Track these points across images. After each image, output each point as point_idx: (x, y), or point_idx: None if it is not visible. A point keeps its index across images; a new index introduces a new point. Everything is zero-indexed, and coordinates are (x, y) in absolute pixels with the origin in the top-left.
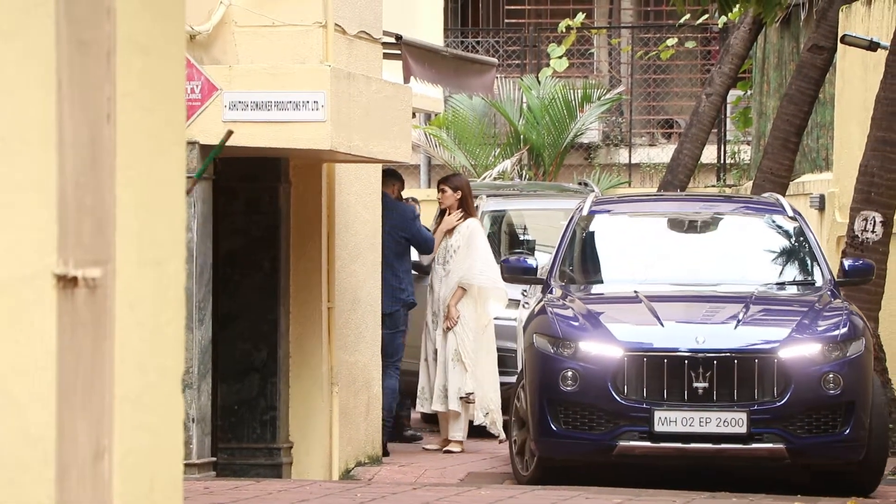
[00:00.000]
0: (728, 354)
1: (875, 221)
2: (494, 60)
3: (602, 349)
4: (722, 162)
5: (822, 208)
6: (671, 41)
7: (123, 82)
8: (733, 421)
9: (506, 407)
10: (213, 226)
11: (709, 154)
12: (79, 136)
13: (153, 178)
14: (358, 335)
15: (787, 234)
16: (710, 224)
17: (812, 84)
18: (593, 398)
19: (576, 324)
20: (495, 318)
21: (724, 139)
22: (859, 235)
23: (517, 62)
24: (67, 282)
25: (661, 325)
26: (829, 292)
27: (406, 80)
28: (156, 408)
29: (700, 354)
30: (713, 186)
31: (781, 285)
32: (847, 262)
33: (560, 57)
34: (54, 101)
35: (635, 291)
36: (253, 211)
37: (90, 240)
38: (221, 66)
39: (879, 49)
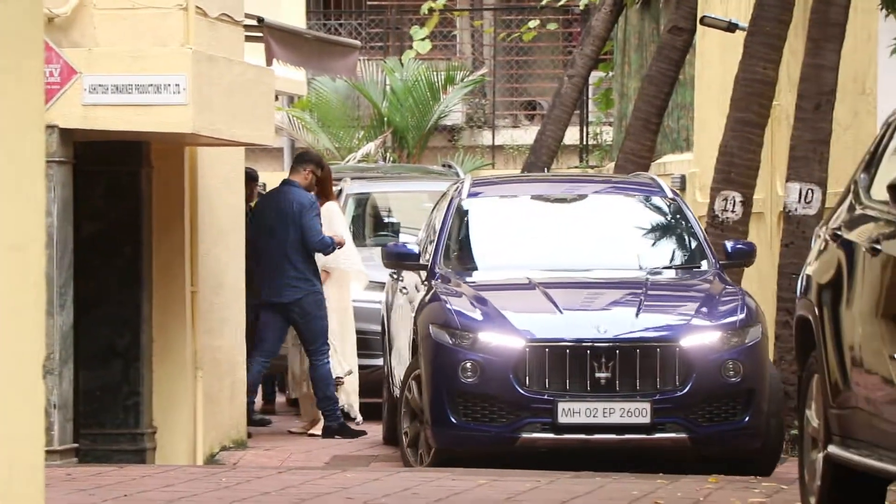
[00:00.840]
0: (630, 343)
1: (735, 201)
2: (357, 43)
3: (503, 340)
4: (584, 143)
5: (682, 188)
6: (533, 23)
7: None
8: (636, 411)
9: (371, 390)
10: (73, 210)
11: (571, 135)
12: None
13: (12, 162)
14: (222, 319)
15: (667, 215)
16: (594, 206)
17: (672, 65)
18: (495, 390)
19: (473, 314)
20: (357, 301)
21: (586, 121)
22: (719, 215)
23: (380, 44)
24: None
25: (561, 313)
26: (717, 276)
27: (268, 62)
28: (16, 394)
29: (602, 344)
30: (576, 167)
31: (670, 269)
32: (729, 245)
33: (423, 39)
34: None
35: (528, 278)
36: (114, 195)
37: None
38: (81, 49)
39: (738, 30)
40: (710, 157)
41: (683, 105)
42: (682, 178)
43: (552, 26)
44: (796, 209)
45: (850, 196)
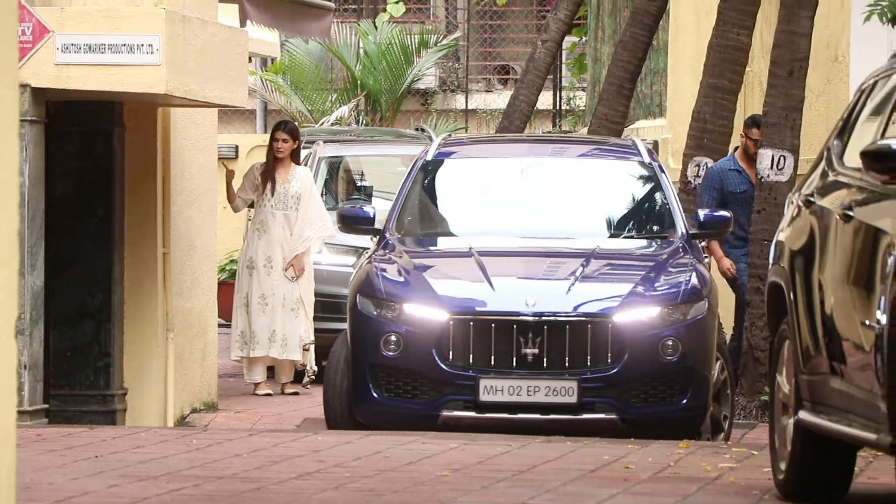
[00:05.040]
0: (559, 319)
1: (707, 167)
2: (331, 5)
3: (426, 312)
4: (558, 108)
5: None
6: None
7: None
8: (563, 390)
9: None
10: (45, 170)
11: (544, 100)
12: None
13: None
14: (194, 281)
15: (641, 180)
16: (562, 170)
17: (646, 31)
18: (417, 364)
19: (400, 283)
20: (328, 265)
21: (559, 85)
22: (692, 181)
23: (353, 7)
24: None
25: (491, 285)
26: (681, 246)
27: (242, 23)
28: None
29: (529, 318)
30: (549, 132)
31: (632, 237)
32: (702, 213)
33: (396, 2)
34: None
35: (470, 247)
36: (86, 156)
37: None
38: (53, 8)
39: None
40: (683, 123)
41: (656, 71)
42: (655, 143)
43: None
44: (768, 176)
45: (823, 163)
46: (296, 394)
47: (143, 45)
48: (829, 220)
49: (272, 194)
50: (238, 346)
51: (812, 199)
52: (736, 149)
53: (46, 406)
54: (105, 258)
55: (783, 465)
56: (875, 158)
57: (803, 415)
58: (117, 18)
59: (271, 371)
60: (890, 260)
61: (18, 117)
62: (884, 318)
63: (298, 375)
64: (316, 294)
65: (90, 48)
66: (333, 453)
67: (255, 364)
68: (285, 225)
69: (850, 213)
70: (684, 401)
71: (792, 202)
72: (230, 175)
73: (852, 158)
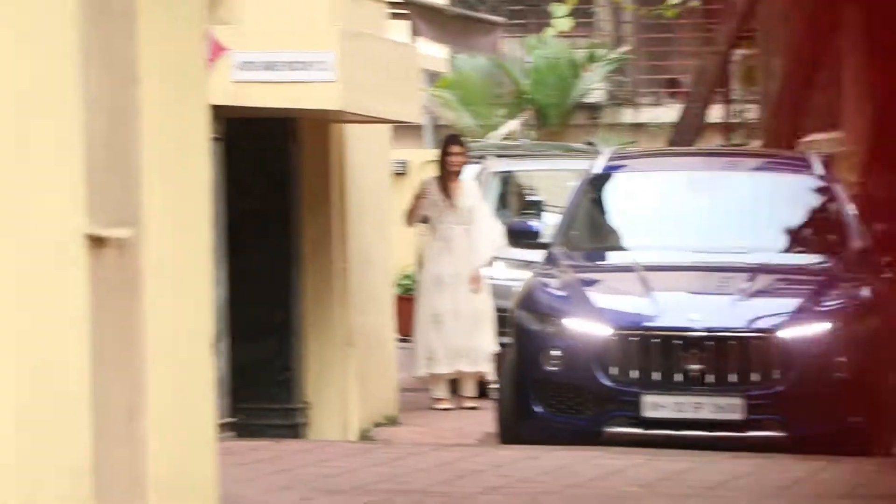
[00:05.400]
0: (724, 334)
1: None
2: (500, 19)
3: (588, 327)
4: (729, 121)
5: None
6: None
7: (147, 45)
8: (729, 406)
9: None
10: (225, 187)
11: (715, 114)
12: (105, 98)
13: (178, 140)
14: (370, 295)
15: (815, 194)
16: (733, 183)
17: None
18: (579, 379)
19: (562, 298)
20: (499, 280)
21: (730, 98)
22: (873, 194)
23: (520, 21)
24: (98, 242)
25: (655, 301)
26: (854, 262)
27: (413, 39)
28: (189, 371)
29: (694, 334)
30: (721, 146)
31: (803, 252)
32: (880, 227)
33: (565, 17)
34: (80, 65)
35: (635, 262)
36: (262, 172)
37: (118, 202)
38: (230, 27)
39: None
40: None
41: (830, 83)
42: (831, 156)
43: (694, 3)
44: None
45: None
46: (475, 408)
47: (318, 61)
48: None
49: (452, 209)
50: (425, 362)
51: None
52: None
53: (234, 420)
54: (285, 273)
55: None
56: None
57: None
58: (292, 35)
59: (453, 385)
60: None
61: (209, 136)
62: None
63: (481, 391)
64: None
65: (266, 65)
66: (517, 468)
67: (439, 380)
68: (466, 239)
69: None
70: (854, 419)
71: None
72: (424, 192)
73: None
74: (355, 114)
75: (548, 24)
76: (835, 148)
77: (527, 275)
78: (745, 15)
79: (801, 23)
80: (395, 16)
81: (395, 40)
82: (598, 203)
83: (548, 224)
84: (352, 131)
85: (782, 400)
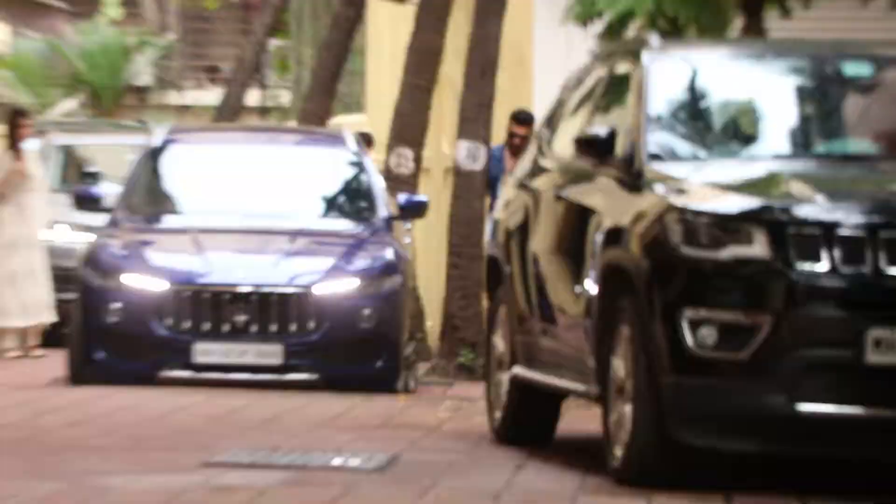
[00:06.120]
0: (267, 290)
1: (408, 157)
2: (62, 4)
3: (146, 282)
4: (264, 105)
5: None
6: None
7: None
8: (270, 353)
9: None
10: None
11: (251, 98)
12: None
13: None
14: None
15: (348, 166)
16: (277, 156)
17: (345, 35)
18: (137, 330)
19: (122, 256)
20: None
21: (265, 84)
22: (393, 170)
23: (75, 9)
24: None
25: (207, 260)
26: (381, 227)
27: None
28: None
29: (241, 289)
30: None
31: (338, 217)
32: (403, 198)
33: (113, 4)
34: None
35: (189, 224)
36: None
37: None
38: None
39: (408, 3)
40: (383, 118)
41: (354, 72)
42: (365, 135)
43: None
44: (465, 165)
45: (534, 149)
46: (43, 356)
47: None
48: (541, 200)
49: (23, 178)
50: None
51: (525, 181)
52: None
53: None
54: None
55: (499, 414)
56: (585, 145)
57: (517, 369)
58: None
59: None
60: (598, 235)
61: None
62: (593, 286)
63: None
64: (54, 268)
65: None
66: (94, 405)
67: (11, 332)
68: (36, 204)
69: (562, 194)
70: (379, 363)
71: (506, 184)
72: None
73: (562, 145)
74: None
75: (99, 11)
76: (359, 129)
77: (90, 237)
78: (278, 9)
79: (328, 18)
80: None
81: None
82: (157, 172)
83: (111, 193)
84: None
85: (316, 347)
